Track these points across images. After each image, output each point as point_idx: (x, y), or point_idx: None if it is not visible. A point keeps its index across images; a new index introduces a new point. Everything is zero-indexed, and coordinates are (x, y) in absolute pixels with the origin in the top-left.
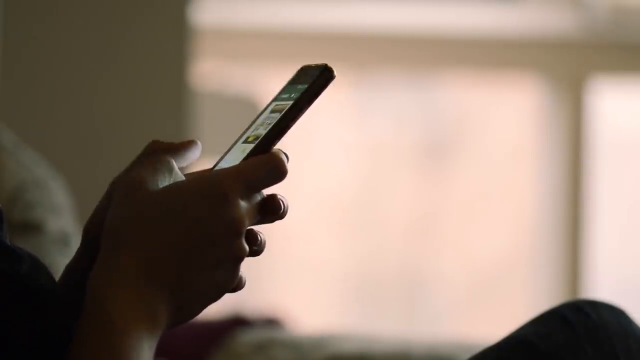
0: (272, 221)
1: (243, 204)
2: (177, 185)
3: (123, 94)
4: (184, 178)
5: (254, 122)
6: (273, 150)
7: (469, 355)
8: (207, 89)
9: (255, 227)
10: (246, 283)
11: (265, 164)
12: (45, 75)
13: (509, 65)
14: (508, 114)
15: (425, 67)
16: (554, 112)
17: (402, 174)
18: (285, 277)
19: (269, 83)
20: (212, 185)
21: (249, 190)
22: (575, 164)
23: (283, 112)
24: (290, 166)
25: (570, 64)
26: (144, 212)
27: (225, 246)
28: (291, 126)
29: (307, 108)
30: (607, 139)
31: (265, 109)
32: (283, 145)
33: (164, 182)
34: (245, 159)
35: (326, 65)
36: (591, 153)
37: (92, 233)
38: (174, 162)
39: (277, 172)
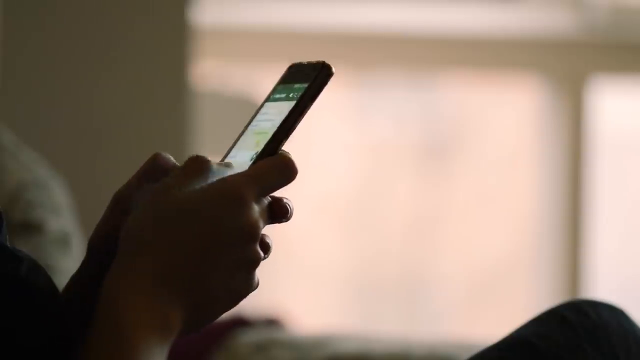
0: (279, 223)
1: (257, 208)
2: (195, 190)
3: (123, 94)
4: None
5: (250, 122)
6: (281, 153)
7: (469, 355)
8: (207, 89)
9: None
10: (259, 284)
11: (277, 166)
12: (45, 75)
13: (509, 65)
14: (508, 114)
15: (425, 67)
16: (554, 112)
17: (402, 174)
18: (286, 278)
19: (269, 83)
20: (227, 190)
21: (262, 194)
22: (575, 164)
23: (287, 112)
24: None
25: (570, 64)
26: (162, 215)
27: (242, 251)
28: (296, 126)
29: (310, 107)
30: (607, 139)
31: (260, 109)
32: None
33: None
34: (253, 162)
35: (324, 62)
36: (591, 153)
37: (97, 246)
38: (212, 166)
39: (289, 173)
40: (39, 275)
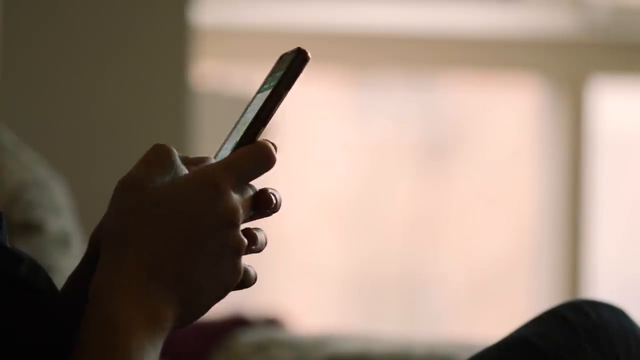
0: (266, 215)
1: (235, 196)
2: (171, 183)
3: (123, 94)
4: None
5: (242, 115)
6: (259, 140)
7: (469, 355)
8: (207, 89)
9: (256, 224)
10: (257, 278)
11: (253, 153)
12: (45, 75)
13: (509, 65)
14: (508, 114)
15: (425, 67)
16: (554, 112)
17: (402, 174)
18: (286, 277)
19: None
20: (202, 179)
21: (239, 182)
22: (575, 164)
23: (263, 101)
24: (290, 166)
25: (570, 64)
26: (142, 211)
27: (221, 238)
28: (273, 113)
29: (286, 94)
30: (607, 139)
31: (252, 101)
32: (282, 143)
33: (164, 178)
34: (233, 151)
35: (299, 48)
36: (591, 153)
37: (98, 239)
38: (176, 157)
39: (265, 160)
40: (39, 275)
